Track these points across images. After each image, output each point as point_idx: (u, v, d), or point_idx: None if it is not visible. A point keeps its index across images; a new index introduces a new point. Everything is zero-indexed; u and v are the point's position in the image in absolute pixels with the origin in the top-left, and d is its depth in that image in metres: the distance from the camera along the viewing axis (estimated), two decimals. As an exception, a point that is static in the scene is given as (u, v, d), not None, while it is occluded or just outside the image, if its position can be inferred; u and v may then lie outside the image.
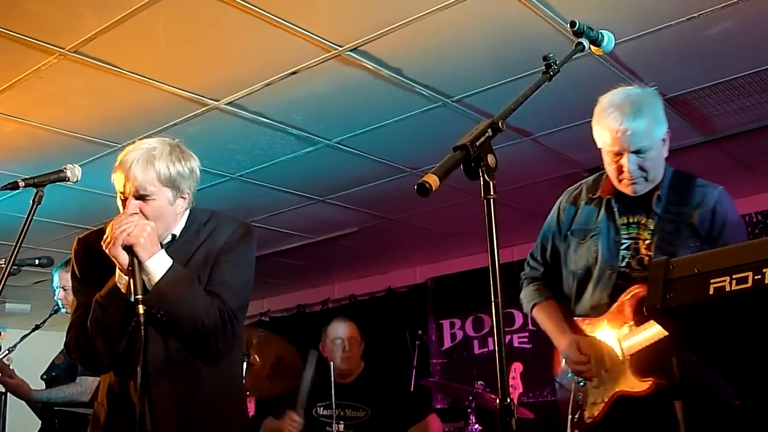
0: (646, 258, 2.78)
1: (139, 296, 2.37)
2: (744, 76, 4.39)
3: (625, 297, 2.78)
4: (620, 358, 2.78)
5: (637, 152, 2.70)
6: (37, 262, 4.39)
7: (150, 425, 2.44)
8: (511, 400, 1.64)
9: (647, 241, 2.80)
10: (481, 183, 1.75)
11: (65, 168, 2.78)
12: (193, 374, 2.54)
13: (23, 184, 2.70)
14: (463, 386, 5.92)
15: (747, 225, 6.52)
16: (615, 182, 2.83)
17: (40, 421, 4.70)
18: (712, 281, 1.65)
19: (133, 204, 2.49)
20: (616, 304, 2.81)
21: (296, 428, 4.47)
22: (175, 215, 2.61)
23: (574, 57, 2.31)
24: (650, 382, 2.69)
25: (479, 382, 5.70)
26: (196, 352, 2.53)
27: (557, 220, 3.08)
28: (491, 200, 1.74)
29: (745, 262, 1.61)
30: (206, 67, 4.10)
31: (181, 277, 2.50)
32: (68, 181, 2.79)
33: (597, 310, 2.87)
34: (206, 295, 2.53)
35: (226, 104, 4.50)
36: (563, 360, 2.98)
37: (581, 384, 2.88)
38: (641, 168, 2.73)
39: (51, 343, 5.00)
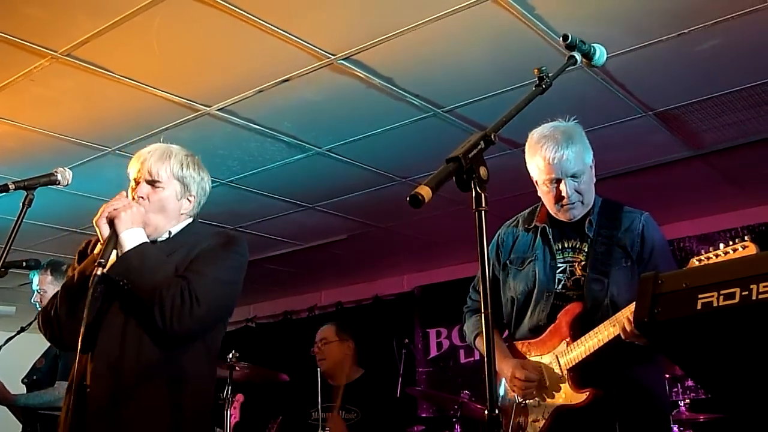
0: (582, 279, 2.93)
1: (102, 260, 2.40)
2: (733, 92, 4.43)
3: (562, 315, 2.92)
4: (559, 374, 2.90)
5: (573, 176, 2.89)
6: (24, 264, 4.38)
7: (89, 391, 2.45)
8: (500, 411, 1.65)
9: (582, 263, 2.96)
10: (473, 195, 1.77)
11: (56, 171, 2.78)
12: (145, 357, 2.52)
13: (13, 187, 2.69)
14: (449, 395, 5.92)
15: (733, 240, 6.54)
16: (552, 210, 2.99)
17: (20, 425, 4.67)
18: (699, 296, 1.67)
19: (143, 187, 2.63)
20: (553, 324, 2.93)
21: None
22: (178, 213, 2.71)
23: (566, 70, 2.33)
24: (587, 394, 2.81)
25: (465, 392, 5.70)
26: (151, 328, 2.51)
27: (497, 251, 3.21)
28: (483, 212, 1.75)
29: (733, 278, 1.63)
30: (198, 73, 4.11)
31: (151, 251, 2.56)
32: (59, 184, 2.79)
33: (536, 332, 3.00)
34: (172, 275, 2.55)
35: (218, 110, 4.51)
36: (502, 383, 3.08)
37: (522, 405, 2.99)
38: (578, 191, 2.91)
39: (36, 345, 4.97)
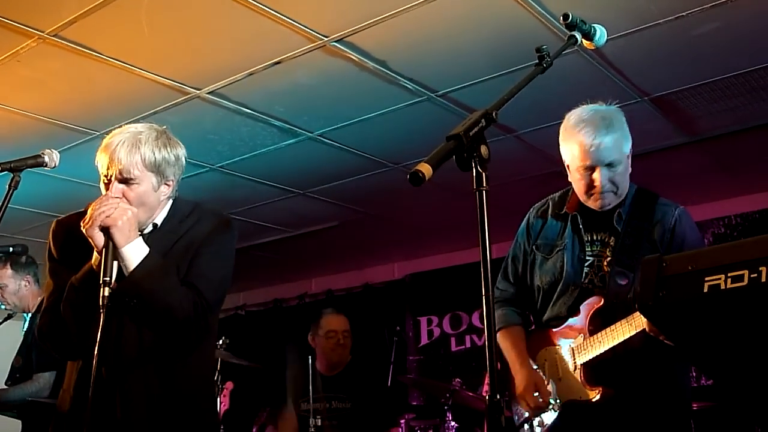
0: (607, 274, 2.84)
1: (107, 278, 2.33)
2: (730, 77, 4.39)
3: (583, 308, 2.85)
4: (572, 367, 2.85)
5: (609, 165, 2.75)
6: (11, 250, 4.31)
7: (120, 411, 2.42)
8: (502, 396, 1.61)
9: (608, 258, 2.85)
10: (474, 174, 1.72)
11: (43, 153, 2.72)
12: (165, 363, 2.51)
13: (-1, 169, 2.64)
14: (441, 383, 5.90)
15: (726, 228, 6.56)
16: (583, 198, 2.87)
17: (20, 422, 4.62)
18: (706, 279, 1.63)
19: (117, 188, 2.46)
20: (574, 315, 2.87)
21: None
22: (158, 202, 2.58)
23: (566, 50, 2.28)
24: (597, 392, 2.75)
25: (456, 379, 5.68)
26: (169, 342, 2.51)
27: (526, 234, 3.11)
28: (483, 192, 1.71)
29: (741, 260, 1.59)
30: (188, 55, 4.04)
31: (158, 266, 2.48)
32: (46, 166, 2.72)
33: (556, 322, 2.93)
34: (182, 287, 2.51)
35: (208, 93, 4.44)
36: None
37: (535, 394, 2.93)
38: (612, 182, 2.78)
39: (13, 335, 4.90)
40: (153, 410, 2.46)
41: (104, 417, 2.39)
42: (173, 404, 2.50)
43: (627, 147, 2.82)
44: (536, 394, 2.86)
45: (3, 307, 4.56)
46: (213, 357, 2.79)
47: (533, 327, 3.08)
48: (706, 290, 1.62)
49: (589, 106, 2.85)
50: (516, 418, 2.99)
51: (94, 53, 3.93)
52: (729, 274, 1.60)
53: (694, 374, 6.23)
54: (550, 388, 2.90)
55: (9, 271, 4.51)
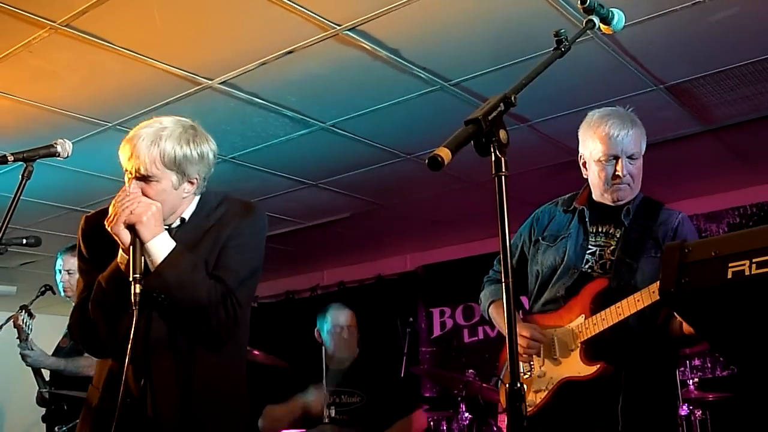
0: (609, 262, 2.95)
1: (137, 275, 2.30)
2: (746, 65, 4.33)
3: (585, 289, 2.93)
4: (571, 346, 2.91)
5: (630, 157, 2.93)
6: (24, 241, 4.30)
7: (150, 408, 2.40)
8: (522, 384, 1.58)
9: (612, 248, 2.98)
10: (493, 159, 1.70)
11: (56, 143, 2.71)
12: (196, 359, 2.47)
13: (12, 159, 2.63)
14: (456, 374, 5.88)
15: (742, 217, 6.52)
16: (602, 189, 2.99)
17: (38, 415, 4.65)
18: (730, 265, 1.61)
19: (135, 184, 2.43)
20: (574, 297, 2.95)
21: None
22: (180, 199, 2.53)
23: (582, 36, 2.25)
24: (597, 367, 2.82)
25: (470, 371, 5.66)
26: (198, 338, 2.47)
27: (530, 228, 3.24)
28: (503, 177, 1.69)
29: (767, 245, 1.56)
30: (201, 45, 4.02)
31: (184, 260, 2.43)
32: (59, 156, 2.71)
33: (553, 304, 3.02)
34: (210, 280, 2.46)
35: (220, 83, 4.42)
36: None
37: (525, 376, 3.02)
38: (630, 174, 2.95)
39: (40, 325, 4.92)
40: (185, 408, 2.43)
41: (135, 415, 2.37)
42: (204, 401, 2.47)
43: (644, 145, 2.99)
44: (532, 330, 2.96)
45: (63, 294, 4.60)
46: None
47: (529, 313, 3.15)
48: (730, 276, 1.60)
49: (608, 108, 3.04)
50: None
51: (105, 43, 3.91)
52: (754, 260, 1.58)
53: (709, 365, 6.20)
54: (545, 368, 2.96)
55: None
